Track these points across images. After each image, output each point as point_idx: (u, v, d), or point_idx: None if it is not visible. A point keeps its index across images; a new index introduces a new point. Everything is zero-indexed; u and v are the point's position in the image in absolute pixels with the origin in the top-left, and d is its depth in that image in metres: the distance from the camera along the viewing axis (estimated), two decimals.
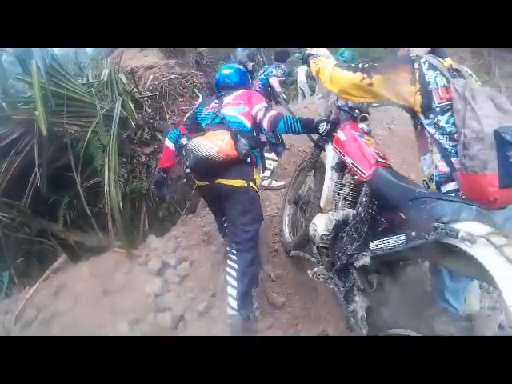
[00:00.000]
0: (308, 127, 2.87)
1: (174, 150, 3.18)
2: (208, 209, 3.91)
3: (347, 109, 2.63)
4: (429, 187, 2.07)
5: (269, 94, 5.07)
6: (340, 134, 2.56)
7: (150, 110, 5.20)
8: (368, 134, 2.52)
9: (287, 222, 3.60)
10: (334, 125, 2.77)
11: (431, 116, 1.93)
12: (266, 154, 4.49)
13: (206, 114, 3.21)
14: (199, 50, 9.40)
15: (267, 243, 3.90)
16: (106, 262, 3.77)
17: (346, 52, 13.89)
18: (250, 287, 2.87)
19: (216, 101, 3.26)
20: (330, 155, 2.78)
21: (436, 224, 1.46)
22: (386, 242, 1.82)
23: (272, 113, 2.96)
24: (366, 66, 2.16)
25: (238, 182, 2.84)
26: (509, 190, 1.64)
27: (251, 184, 2.92)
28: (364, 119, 2.58)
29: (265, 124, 2.95)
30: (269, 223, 4.14)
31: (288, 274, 3.57)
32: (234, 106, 3.11)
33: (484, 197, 1.67)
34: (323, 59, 2.45)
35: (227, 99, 3.20)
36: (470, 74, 2.05)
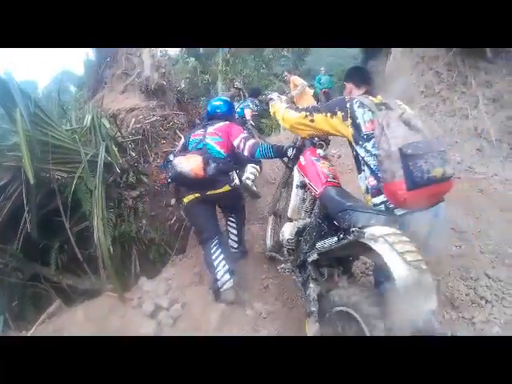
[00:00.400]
0: (279, 153, 3.58)
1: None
2: (197, 249, 4.36)
3: (308, 137, 3.14)
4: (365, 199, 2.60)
5: (243, 122, 5.51)
6: (301, 159, 3.18)
7: (133, 154, 5.25)
8: (324, 158, 3.11)
9: (269, 232, 4.17)
10: (300, 150, 3.37)
11: (360, 143, 2.50)
12: (250, 164, 5.19)
13: (192, 140, 3.94)
14: (179, 88, 9.60)
15: (257, 280, 3.99)
16: (100, 306, 3.79)
17: (323, 78, 14.36)
18: (241, 235, 4.20)
19: (202, 130, 4.00)
20: (295, 175, 3.39)
21: (353, 229, 2.13)
22: (326, 242, 2.61)
23: (250, 142, 3.66)
24: (310, 106, 2.81)
25: (226, 188, 3.67)
26: (414, 191, 2.16)
27: (233, 184, 3.71)
28: (321, 146, 3.13)
29: (245, 152, 3.65)
30: (259, 262, 4.25)
31: (279, 310, 3.63)
32: (212, 136, 3.85)
33: (397, 199, 2.25)
34: (278, 103, 3.10)
35: (210, 129, 3.93)
36: (399, 105, 2.59)
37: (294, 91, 8.60)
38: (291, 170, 3.63)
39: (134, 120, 5.95)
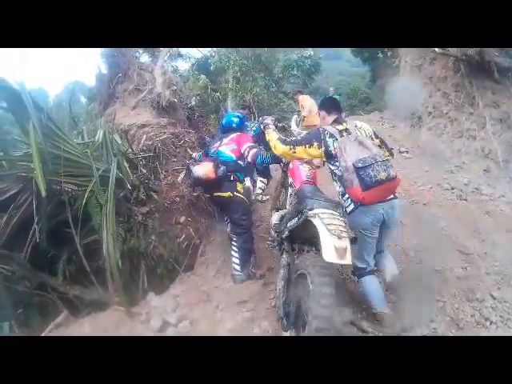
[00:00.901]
0: (276, 159, 4.31)
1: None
2: (205, 267, 4.74)
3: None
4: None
5: (260, 138, 5.66)
6: (290, 164, 4.18)
7: (144, 171, 5.29)
8: (307, 163, 4.04)
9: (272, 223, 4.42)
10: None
11: (331, 162, 3.41)
12: (259, 178, 5.77)
13: (211, 150, 4.85)
14: (190, 105, 9.68)
15: (265, 299, 4.01)
16: (108, 319, 3.83)
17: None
18: (246, 257, 4.46)
19: (219, 142, 4.83)
20: (288, 178, 4.26)
21: (304, 210, 3.01)
22: (292, 222, 3.32)
23: (253, 151, 4.38)
24: (293, 140, 3.58)
25: (227, 194, 4.40)
26: (368, 191, 3.00)
27: (235, 193, 4.43)
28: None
29: (249, 158, 4.40)
30: (266, 282, 4.31)
31: None
32: (227, 145, 4.66)
33: (358, 198, 3.12)
34: (271, 132, 3.81)
35: (225, 140, 4.74)
36: (359, 128, 3.47)
37: (304, 112, 9.07)
38: (286, 173, 4.39)
39: (145, 137, 6.02)
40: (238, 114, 5.17)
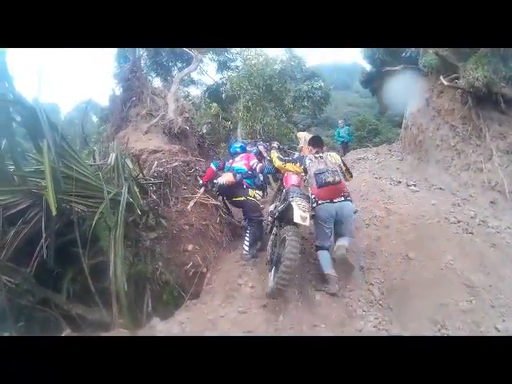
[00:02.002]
0: (275, 170, 6.14)
1: (215, 170, 6.54)
2: (212, 296, 4.86)
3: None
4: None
5: (259, 157, 7.20)
6: (285, 174, 5.87)
7: (154, 197, 5.35)
8: (295, 174, 5.67)
9: (269, 211, 6.28)
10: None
11: (306, 174, 5.26)
12: (257, 191, 6.54)
13: (227, 166, 6.48)
14: (201, 132, 9.83)
15: (269, 331, 4.01)
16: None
17: (342, 131, 14.79)
18: (254, 241, 5.94)
19: (231, 160, 6.57)
20: (283, 183, 6.10)
21: (288, 199, 4.79)
22: (279, 207, 5.19)
23: (259, 165, 6.29)
24: (286, 159, 5.72)
25: (241, 198, 6.03)
26: (320, 189, 4.83)
27: (248, 197, 6.02)
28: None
29: (257, 169, 6.21)
30: (270, 314, 4.32)
31: None
32: (239, 162, 6.40)
33: (316, 194, 4.96)
34: (274, 152, 6.04)
35: (237, 159, 6.50)
36: (329, 154, 5.35)
37: (300, 144, 11.14)
38: (281, 181, 6.24)
39: (156, 163, 6.12)
40: (240, 143, 7.12)
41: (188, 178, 6.25)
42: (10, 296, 3.94)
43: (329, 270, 4.88)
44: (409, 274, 4.86)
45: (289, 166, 5.51)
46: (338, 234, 5.16)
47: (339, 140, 16.12)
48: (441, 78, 8.70)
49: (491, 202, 6.94)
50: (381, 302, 4.45)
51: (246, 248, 5.74)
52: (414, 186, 7.97)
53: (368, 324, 4.10)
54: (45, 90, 4.73)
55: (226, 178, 5.85)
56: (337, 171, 4.87)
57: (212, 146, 10.29)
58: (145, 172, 5.75)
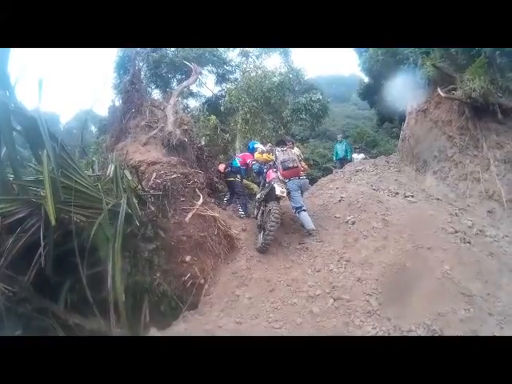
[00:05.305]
0: (262, 169, 8.66)
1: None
2: (209, 307, 4.89)
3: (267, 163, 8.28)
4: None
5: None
6: (268, 172, 7.63)
7: (153, 208, 5.36)
8: (274, 172, 7.37)
9: (256, 197, 8.31)
10: (268, 169, 7.84)
11: (276, 162, 7.44)
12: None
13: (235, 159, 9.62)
14: (199, 145, 9.87)
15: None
16: None
17: (339, 148, 14.76)
18: (244, 207, 9.05)
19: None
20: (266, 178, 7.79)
21: (272, 183, 6.92)
22: (264, 191, 7.37)
23: (254, 162, 8.91)
24: (264, 151, 8.60)
25: (232, 179, 9.12)
26: (285, 171, 7.12)
27: (236, 179, 9.10)
28: (275, 167, 7.63)
29: (250, 165, 9.06)
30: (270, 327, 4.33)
31: None
32: (237, 158, 9.52)
33: (283, 175, 7.17)
34: (257, 154, 8.78)
35: (238, 155, 10.15)
36: (291, 150, 7.69)
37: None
38: (264, 176, 7.91)
39: (155, 174, 6.11)
40: (252, 143, 9.98)
41: (186, 190, 6.23)
42: (7, 304, 3.92)
43: (311, 225, 6.94)
44: (406, 284, 4.84)
45: (265, 155, 8.43)
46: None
47: (337, 157, 15.39)
48: (438, 89, 8.76)
49: (489, 212, 6.98)
50: (378, 313, 4.43)
51: (242, 212, 8.81)
52: (412, 197, 7.99)
53: (366, 334, 4.09)
54: (46, 98, 4.77)
55: (220, 168, 9.54)
56: (295, 160, 7.24)
57: (210, 157, 10.33)
58: (143, 183, 5.75)
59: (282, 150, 7.43)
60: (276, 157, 7.49)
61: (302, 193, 7.57)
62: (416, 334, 3.93)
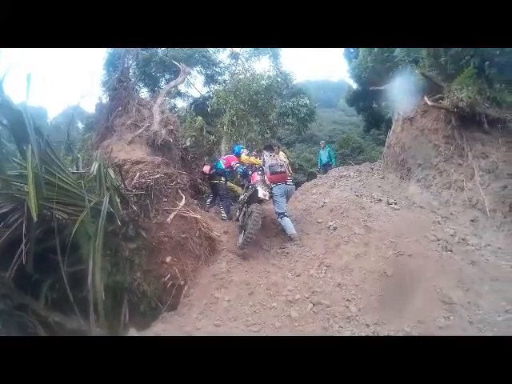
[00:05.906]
0: (247, 172, 8.89)
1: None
2: (188, 308, 4.85)
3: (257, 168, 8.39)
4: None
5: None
6: (252, 175, 7.94)
7: (135, 208, 5.31)
8: (259, 175, 7.63)
9: (240, 199, 8.54)
10: (253, 172, 8.21)
11: (264, 166, 7.60)
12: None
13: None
14: (184, 145, 9.83)
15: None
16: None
17: (323, 154, 14.75)
18: (227, 209, 9.20)
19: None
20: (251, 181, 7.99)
21: (254, 187, 7.10)
22: (247, 194, 7.64)
23: (238, 164, 9.33)
24: (251, 155, 9.71)
25: (217, 180, 9.31)
26: (273, 176, 7.29)
27: (220, 181, 9.30)
28: (260, 170, 7.96)
29: (234, 168, 9.36)
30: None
31: None
32: (222, 160, 9.71)
33: (270, 180, 7.35)
34: (247, 154, 9.81)
35: (222, 157, 10.47)
36: (279, 155, 7.93)
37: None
38: (249, 179, 8.18)
39: (138, 174, 6.07)
40: (236, 146, 10.51)
41: (169, 191, 6.18)
42: None
43: (292, 230, 7.13)
44: (386, 291, 4.87)
45: (252, 158, 9.14)
46: None
47: (321, 162, 15.31)
48: (425, 97, 8.85)
49: (472, 221, 7.05)
50: (357, 318, 4.44)
51: (225, 214, 9.02)
52: (395, 204, 8.06)
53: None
54: (34, 93, 4.72)
55: (205, 169, 9.65)
56: (283, 165, 7.44)
57: (195, 159, 10.32)
58: (126, 182, 5.71)
59: (271, 155, 7.59)
60: (264, 161, 7.70)
61: (287, 199, 7.72)
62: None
